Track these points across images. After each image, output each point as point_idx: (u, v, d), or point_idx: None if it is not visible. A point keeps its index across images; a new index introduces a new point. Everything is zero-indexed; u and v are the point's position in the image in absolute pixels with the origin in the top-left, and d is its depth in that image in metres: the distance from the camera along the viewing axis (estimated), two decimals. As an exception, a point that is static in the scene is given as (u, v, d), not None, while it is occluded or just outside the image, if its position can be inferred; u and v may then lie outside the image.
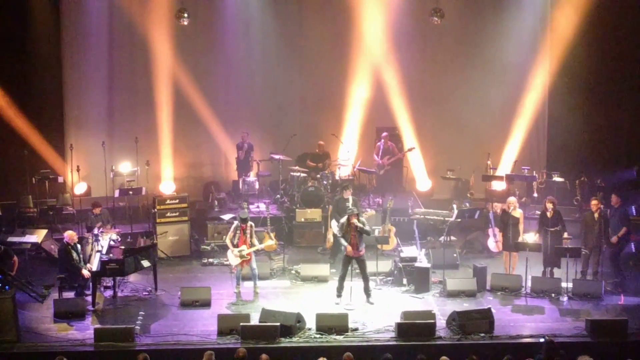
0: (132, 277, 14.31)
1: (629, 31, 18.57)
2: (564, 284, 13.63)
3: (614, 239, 14.00)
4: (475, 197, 18.16)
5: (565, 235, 14.12)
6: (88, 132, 18.97)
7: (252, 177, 18.16)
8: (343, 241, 13.19)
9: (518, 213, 14.42)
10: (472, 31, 19.24)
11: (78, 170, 17.76)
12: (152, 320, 12.59)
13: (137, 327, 12.12)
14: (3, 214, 16.93)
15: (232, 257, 13.73)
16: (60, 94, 18.93)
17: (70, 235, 13.43)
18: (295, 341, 11.69)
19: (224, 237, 16.14)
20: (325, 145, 18.38)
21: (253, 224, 13.91)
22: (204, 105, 19.31)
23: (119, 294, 13.62)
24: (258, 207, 17.20)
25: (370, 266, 13.63)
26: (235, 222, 13.89)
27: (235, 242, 13.69)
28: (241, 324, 11.78)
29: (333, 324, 11.96)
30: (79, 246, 13.50)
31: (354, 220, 13.09)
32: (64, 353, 10.56)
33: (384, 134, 18.25)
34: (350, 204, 14.74)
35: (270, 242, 14.50)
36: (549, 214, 14.15)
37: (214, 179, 19.42)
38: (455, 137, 19.45)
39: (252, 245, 13.67)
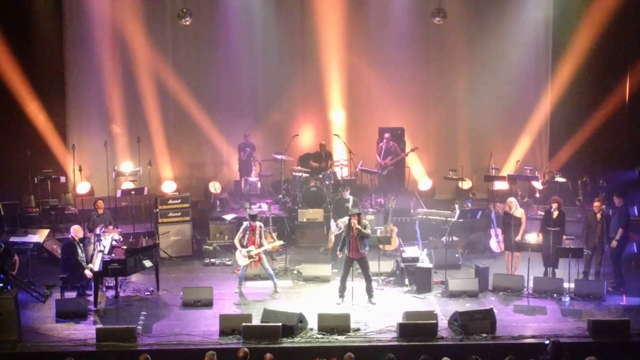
0: (134, 277, 14.32)
1: (632, 30, 18.53)
2: (566, 285, 13.60)
3: (613, 244, 13.93)
4: (478, 197, 18.14)
5: (565, 237, 14.09)
6: (90, 132, 18.96)
7: (254, 177, 18.15)
8: (341, 249, 13.29)
9: (519, 213, 14.40)
10: (474, 31, 19.24)
11: (80, 170, 17.74)
12: (154, 320, 12.59)
13: (139, 327, 12.10)
14: (5, 213, 16.91)
15: (240, 258, 13.73)
16: (62, 94, 18.91)
17: (76, 229, 13.43)
18: (297, 341, 11.68)
19: (226, 237, 16.27)
20: (327, 145, 18.38)
21: (262, 225, 13.92)
22: (206, 104, 19.38)
23: (121, 294, 13.63)
24: (260, 207, 17.19)
25: (372, 266, 13.62)
26: (245, 223, 13.90)
27: (244, 243, 13.69)
28: (243, 324, 11.77)
29: (335, 324, 11.95)
30: (81, 245, 13.50)
31: (353, 221, 13.08)
32: (67, 353, 10.56)
33: (387, 134, 18.22)
34: (350, 204, 14.74)
35: (278, 242, 14.45)
36: (554, 215, 14.12)
37: (216, 178, 19.41)
38: (457, 137, 19.47)
39: (260, 245, 13.67)
